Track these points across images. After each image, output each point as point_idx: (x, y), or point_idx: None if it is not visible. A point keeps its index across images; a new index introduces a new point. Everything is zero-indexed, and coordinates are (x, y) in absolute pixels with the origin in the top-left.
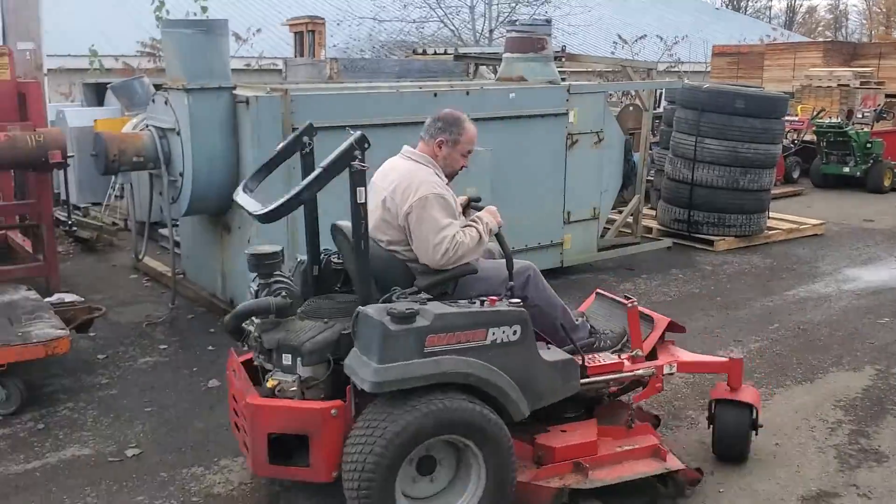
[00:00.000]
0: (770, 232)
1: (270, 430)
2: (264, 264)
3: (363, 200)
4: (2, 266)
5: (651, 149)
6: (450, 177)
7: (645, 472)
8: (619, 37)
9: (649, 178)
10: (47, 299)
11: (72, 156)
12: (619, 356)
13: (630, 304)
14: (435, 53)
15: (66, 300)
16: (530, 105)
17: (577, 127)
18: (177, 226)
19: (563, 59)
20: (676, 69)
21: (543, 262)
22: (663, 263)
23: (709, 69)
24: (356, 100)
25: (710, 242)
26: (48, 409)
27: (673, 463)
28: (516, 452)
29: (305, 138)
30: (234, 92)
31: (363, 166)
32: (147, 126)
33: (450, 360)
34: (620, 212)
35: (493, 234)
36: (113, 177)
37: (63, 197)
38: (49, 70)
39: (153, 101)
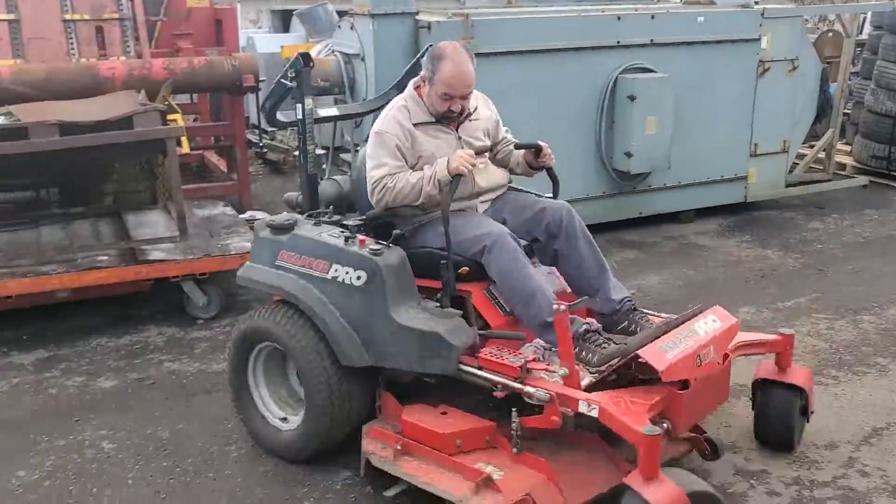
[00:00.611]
0: None
1: None
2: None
3: (301, 116)
4: (201, 184)
5: (850, 79)
6: (439, 119)
7: (443, 492)
8: None
9: (846, 110)
10: (241, 216)
11: (263, 80)
12: (528, 363)
13: (557, 306)
14: None
15: (258, 217)
16: (720, 30)
17: (769, 54)
18: (359, 151)
19: None
20: None
21: (725, 196)
22: (857, 203)
23: None
24: (537, 24)
25: None
26: None
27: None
28: (389, 411)
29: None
30: (416, 17)
31: (290, 84)
32: (332, 52)
33: (288, 279)
34: (812, 146)
35: (443, 183)
36: None
37: (252, 121)
38: None
39: (339, 27)
